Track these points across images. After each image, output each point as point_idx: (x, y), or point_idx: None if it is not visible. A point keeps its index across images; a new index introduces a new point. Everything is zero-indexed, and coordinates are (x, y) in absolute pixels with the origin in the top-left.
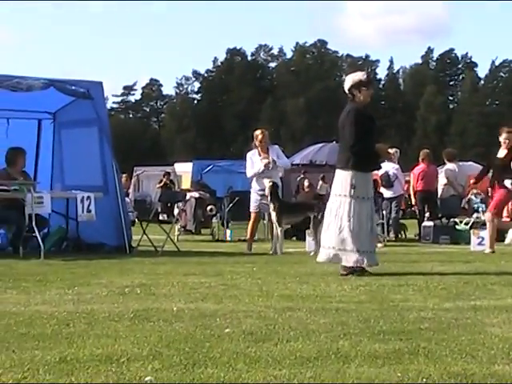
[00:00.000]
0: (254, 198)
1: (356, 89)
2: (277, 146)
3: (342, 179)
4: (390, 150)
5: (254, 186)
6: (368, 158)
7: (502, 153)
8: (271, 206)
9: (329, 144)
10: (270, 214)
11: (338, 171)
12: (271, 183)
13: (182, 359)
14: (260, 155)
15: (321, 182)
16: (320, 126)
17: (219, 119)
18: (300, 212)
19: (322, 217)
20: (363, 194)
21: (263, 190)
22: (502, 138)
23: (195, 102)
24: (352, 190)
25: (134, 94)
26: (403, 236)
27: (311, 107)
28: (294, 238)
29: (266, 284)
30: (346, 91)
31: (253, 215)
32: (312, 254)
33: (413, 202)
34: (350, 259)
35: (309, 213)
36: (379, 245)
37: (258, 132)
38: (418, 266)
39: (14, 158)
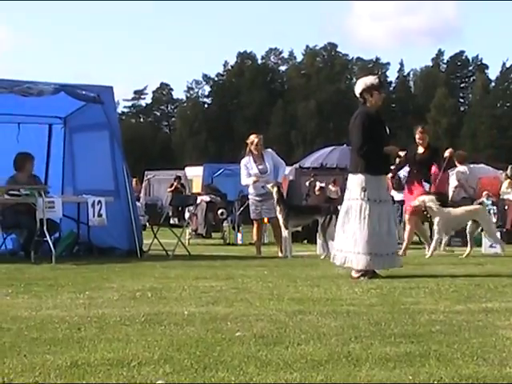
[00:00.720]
0: (253, 205)
1: (368, 93)
2: (270, 150)
3: (354, 183)
4: (401, 153)
5: (252, 192)
6: (378, 161)
7: (420, 150)
8: (277, 208)
9: (339, 147)
10: (272, 218)
11: (349, 176)
12: (276, 187)
13: (193, 363)
14: (255, 162)
15: (331, 186)
16: (331, 129)
17: (230, 123)
18: (307, 215)
19: (330, 220)
20: (375, 196)
21: (261, 194)
22: (417, 139)
23: (205, 105)
24: (363, 193)
25: (144, 98)
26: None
27: (322, 110)
28: (306, 241)
29: (276, 287)
30: (357, 95)
31: (255, 223)
32: (323, 257)
33: None
34: (360, 262)
35: (316, 216)
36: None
37: (252, 137)
38: (429, 269)
39: (22, 163)
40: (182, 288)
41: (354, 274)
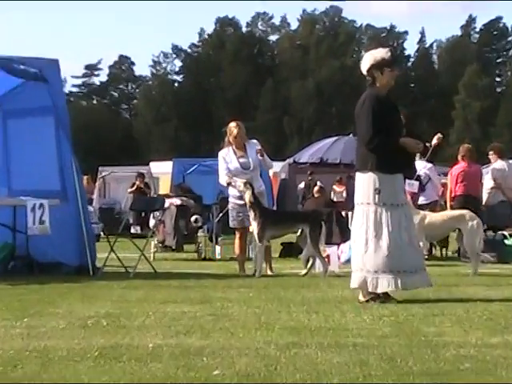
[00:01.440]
0: (234, 210)
1: (377, 69)
2: (255, 141)
3: (363, 184)
4: (421, 146)
5: (232, 193)
6: (392, 156)
7: None
8: (251, 214)
9: (344, 138)
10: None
11: (357, 175)
12: (250, 187)
13: None
14: (236, 154)
15: (336, 186)
16: (333, 115)
17: (207, 107)
18: (289, 224)
19: (320, 230)
20: (391, 199)
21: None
22: None
23: (176, 84)
24: (376, 196)
25: (98, 75)
26: (439, 253)
27: (322, 92)
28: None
29: (265, 313)
30: (364, 72)
31: (237, 233)
32: (304, 273)
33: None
34: (381, 283)
35: (301, 225)
36: None
37: (232, 125)
38: (457, 291)
39: None
40: (146, 314)
41: (362, 298)
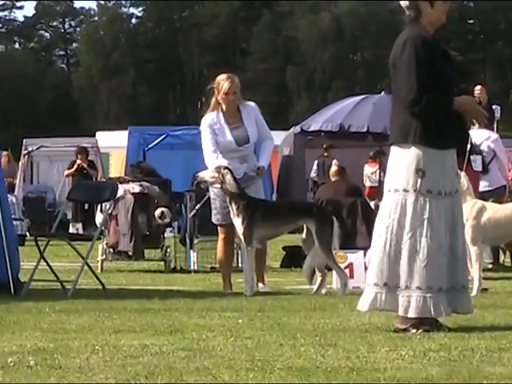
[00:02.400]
0: (218, 199)
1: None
2: (253, 105)
3: (401, 162)
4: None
5: None
6: (443, 124)
7: None
8: (233, 209)
9: (373, 97)
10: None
11: (392, 149)
12: (221, 170)
13: None
14: (229, 123)
15: (368, 165)
16: (357, 64)
17: (176, 53)
18: (285, 220)
19: (332, 227)
20: (439, 185)
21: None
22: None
23: (133, 21)
24: (419, 180)
25: (22, 8)
26: (508, 261)
27: (341, 31)
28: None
29: (261, 348)
30: (405, 3)
31: (220, 231)
32: (315, 290)
33: None
34: (412, 304)
35: (303, 221)
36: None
37: (222, 78)
38: None
39: None
40: (92, 349)
41: (400, 325)
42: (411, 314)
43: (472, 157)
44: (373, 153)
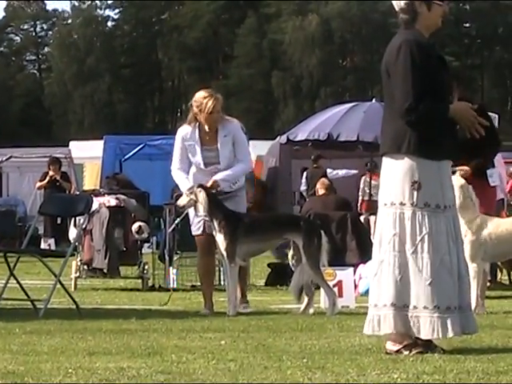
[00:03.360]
0: (193, 212)
1: (423, 1)
2: (235, 124)
3: (395, 174)
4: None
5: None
6: (438, 133)
7: None
8: (215, 224)
9: (364, 104)
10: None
11: (385, 160)
12: (194, 189)
13: None
14: (203, 142)
15: (367, 177)
16: (347, 69)
17: (155, 57)
18: (271, 233)
19: (320, 242)
20: (437, 199)
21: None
22: None
23: (110, 24)
24: (415, 193)
25: None
26: (507, 278)
27: (330, 34)
28: None
29: (244, 371)
30: (400, 5)
31: (198, 241)
32: (302, 310)
33: None
34: (419, 324)
35: (289, 235)
36: None
37: (204, 97)
38: None
39: None
40: (65, 372)
41: (392, 346)
42: (423, 335)
43: (488, 171)
44: (370, 164)
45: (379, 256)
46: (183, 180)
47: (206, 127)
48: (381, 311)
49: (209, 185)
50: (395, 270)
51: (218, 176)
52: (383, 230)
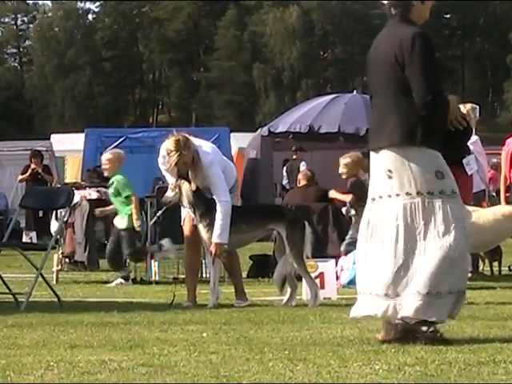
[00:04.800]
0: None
1: None
2: (207, 165)
3: (412, 166)
4: (463, 108)
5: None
6: (442, 125)
7: None
8: (196, 215)
9: (345, 96)
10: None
11: (390, 153)
12: (178, 181)
13: None
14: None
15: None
16: (329, 61)
17: (135, 50)
18: (254, 224)
19: (303, 233)
20: (453, 186)
21: None
22: None
23: (90, 16)
24: (440, 182)
25: None
26: (488, 269)
27: (311, 26)
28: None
29: (226, 363)
30: None
31: (186, 231)
32: (285, 302)
33: (504, 205)
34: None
35: (273, 226)
36: None
37: (167, 147)
38: None
39: None
40: (47, 365)
41: (384, 335)
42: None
43: (465, 160)
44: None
45: (378, 244)
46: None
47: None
48: (369, 298)
49: (214, 252)
50: (398, 260)
51: (215, 238)
52: (382, 220)
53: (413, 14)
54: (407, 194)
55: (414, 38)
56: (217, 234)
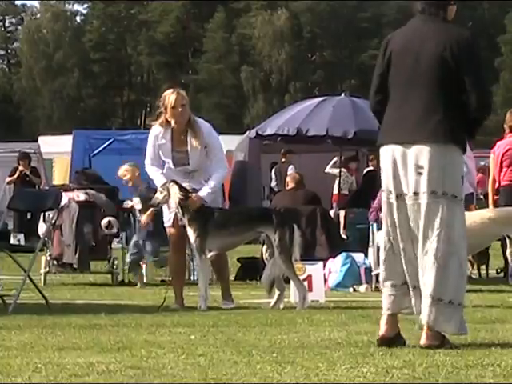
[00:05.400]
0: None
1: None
2: (206, 128)
3: (450, 166)
4: None
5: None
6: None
7: None
8: (185, 218)
9: (333, 99)
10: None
11: (428, 149)
12: (167, 184)
13: None
14: (174, 144)
15: (331, 169)
16: (317, 64)
17: (124, 52)
18: (243, 227)
19: (292, 235)
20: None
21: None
22: None
23: (78, 18)
24: (461, 188)
25: None
26: (476, 272)
27: (299, 29)
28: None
29: (213, 366)
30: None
31: (170, 236)
32: (272, 305)
33: (492, 208)
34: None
35: (262, 229)
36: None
37: (167, 93)
38: (504, 330)
39: None
40: (34, 368)
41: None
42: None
43: None
44: (340, 159)
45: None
46: (157, 175)
47: (173, 122)
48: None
49: (196, 205)
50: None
51: (203, 192)
52: (431, 220)
53: (448, 14)
54: (433, 192)
55: (473, 40)
56: (205, 191)
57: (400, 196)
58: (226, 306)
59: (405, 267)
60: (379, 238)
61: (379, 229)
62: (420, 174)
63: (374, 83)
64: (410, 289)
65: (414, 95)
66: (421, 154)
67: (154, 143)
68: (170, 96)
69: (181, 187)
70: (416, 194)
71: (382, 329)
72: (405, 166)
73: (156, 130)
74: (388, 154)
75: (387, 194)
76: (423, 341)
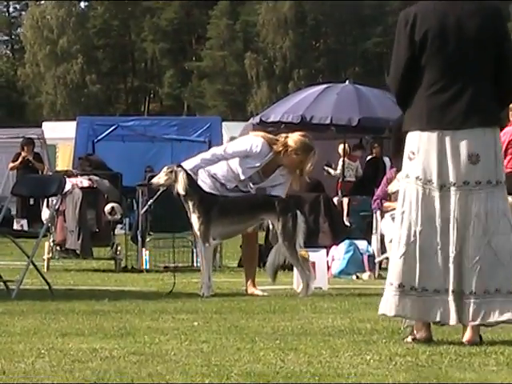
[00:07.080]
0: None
1: None
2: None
3: (497, 151)
4: None
5: (221, 175)
6: None
7: None
8: (189, 205)
9: (337, 86)
10: None
11: (481, 133)
12: (175, 168)
13: None
14: (263, 170)
15: (341, 160)
16: (321, 51)
17: (128, 39)
18: (246, 214)
19: (296, 222)
20: None
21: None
22: None
23: (82, 4)
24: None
25: None
26: None
27: (303, 16)
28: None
29: (217, 352)
30: None
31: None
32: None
33: None
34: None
35: (265, 216)
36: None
37: (305, 149)
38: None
39: None
40: (37, 353)
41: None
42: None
43: None
44: (344, 146)
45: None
46: (195, 163)
47: (284, 161)
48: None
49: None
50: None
51: (188, 162)
52: (490, 211)
53: None
54: (488, 182)
55: (503, 14)
56: (190, 162)
57: (444, 186)
58: (263, 292)
59: (440, 266)
60: (383, 226)
61: (383, 217)
62: (474, 163)
63: (400, 65)
64: (450, 291)
65: (461, 76)
66: (474, 139)
67: (243, 150)
68: (306, 162)
69: (188, 174)
70: (466, 183)
71: (422, 334)
72: (455, 152)
73: (260, 145)
74: (431, 139)
75: (423, 183)
76: (468, 337)
